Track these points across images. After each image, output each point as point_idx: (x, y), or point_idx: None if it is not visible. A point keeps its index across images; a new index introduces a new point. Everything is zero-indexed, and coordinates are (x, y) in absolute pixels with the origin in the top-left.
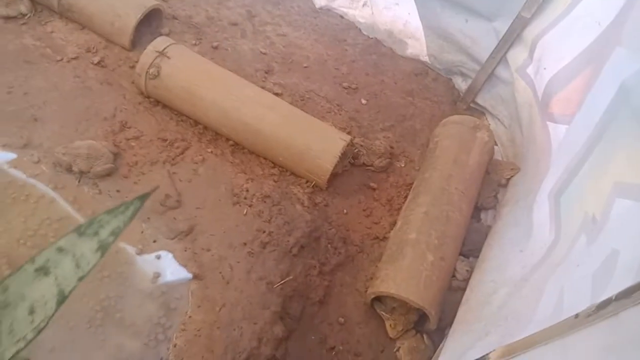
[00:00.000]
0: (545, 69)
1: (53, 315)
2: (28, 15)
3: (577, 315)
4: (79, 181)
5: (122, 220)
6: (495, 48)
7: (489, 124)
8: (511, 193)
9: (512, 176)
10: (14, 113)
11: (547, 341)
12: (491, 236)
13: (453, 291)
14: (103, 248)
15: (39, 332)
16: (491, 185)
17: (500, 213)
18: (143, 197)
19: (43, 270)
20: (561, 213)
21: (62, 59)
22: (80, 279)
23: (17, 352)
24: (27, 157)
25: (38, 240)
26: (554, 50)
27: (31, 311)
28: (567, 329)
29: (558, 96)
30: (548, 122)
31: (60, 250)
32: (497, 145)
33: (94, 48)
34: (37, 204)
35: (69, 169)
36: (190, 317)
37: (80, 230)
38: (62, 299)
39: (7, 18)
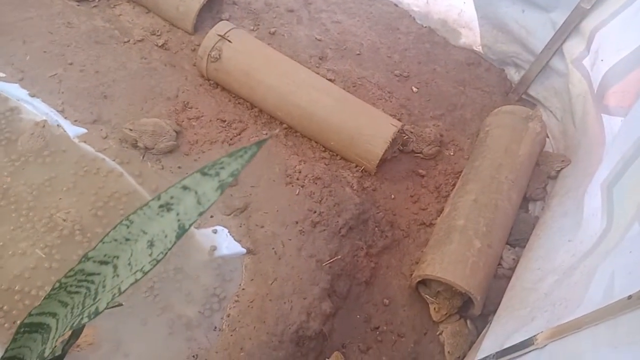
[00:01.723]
0: (602, 60)
1: (171, 248)
2: None
3: (630, 297)
4: (143, 157)
5: (240, 163)
6: (551, 39)
7: (542, 115)
8: (561, 185)
9: (562, 168)
10: (85, 90)
11: (597, 322)
12: (539, 226)
13: (498, 279)
14: (222, 187)
15: (157, 263)
16: (541, 177)
17: (549, 204)
18: (260, 143)
19: (166, 207)
20: (614, 203)
21: (129, 41)
22: (200, 214)
23: (135, 282)
24: (97, 132)
25: (108, 211)
26: (613, 42)
27: (150, 245)
28: (619, 310)
29: (614, 88)
30: (603, 114)
31: (184, 188)
32: (548, 137)
33: (158, 31)
34: (106, 177)
35: (135, 145)
36: (243, 289)
37: (203, 171)
38: (181, 232)
39: (80, 0)
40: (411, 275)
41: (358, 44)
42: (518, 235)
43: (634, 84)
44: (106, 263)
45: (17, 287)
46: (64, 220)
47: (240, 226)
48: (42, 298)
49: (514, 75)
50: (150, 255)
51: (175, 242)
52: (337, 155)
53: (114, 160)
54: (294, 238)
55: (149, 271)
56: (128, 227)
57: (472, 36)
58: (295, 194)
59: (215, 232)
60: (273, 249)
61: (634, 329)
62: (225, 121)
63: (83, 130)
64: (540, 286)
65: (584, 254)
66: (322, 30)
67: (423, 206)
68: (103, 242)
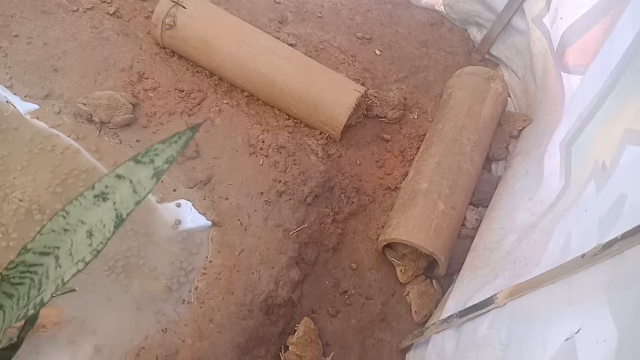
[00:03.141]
0: (562, 19)
1: (111, 237)
2: None
3: (583, 255)
4: (100, 132)
5: (175, 149)
6: None
7: (504, 76)
8: (523, 144)
9: (524, 127)
10: (34, 64)
11: (554, 280)
12: (501, 186)
13: (462, 239)
14: (158, 175)
15: (98, 253)
16: (503, 137)
17: (511, 164)
18: (194, 129)
19: (102, 197)
20: (572, 162)
21: (78, 10)
22: (137, 203)
23: (77, 273)
24: (49, 107)
25: (68, 188)
26: (572, 0)
27: (90, 235)
28: (574, 268)
29: (574, 47)
30: (562, 73)
31: (119, 177)
32: (510, 97)
33: None
34: (63, 154)
35: (90, 120)
36: (210, 261)
37: (137, 159)
38: (119, 222)
39: None
40: (378, 239)
41: (319, 6)
42: (481, 196)
43: (593, 42)
44: (47, 254)
45: None
46: (21, 200)
47: (205, 199)
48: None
49: (477, 35)
50: (90, 245)
51: (114, 232)
52: (301, 123)
53: (69, 136)
54: (260, 209)
55: (91, 261)
56: (65, 217)
57: None
58: (260, 164)
59: (179, 205)
60: (239, 220)
61: (587, 288)
62: (184, 91)
63: (35, 107)
64: (502, 245)
65: (543, 212)
66: None
67: (388, 171)
68: (41, 234)
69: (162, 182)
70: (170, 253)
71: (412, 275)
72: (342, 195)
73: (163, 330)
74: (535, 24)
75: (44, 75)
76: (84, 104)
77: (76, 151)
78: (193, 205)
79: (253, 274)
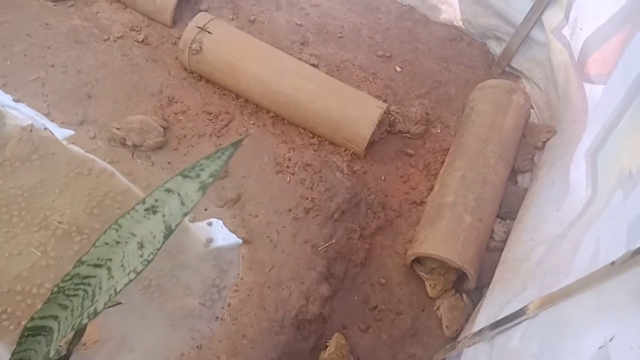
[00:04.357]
0: (581, 29)
1: (160, 247)
2: None
3: (613, 263)
4: (132, 154)
5: (219, 164)
6: (530, 10)
7: (525, 87)
8: (547, 155)
9: (548, 139)
10: (69, 91)
11: (584, 289)
12: (528, 198)
13: (491, 252)
14: (204, 188)
15: (148, 263)
16: (528, 149)
17: (537, 175)
18: (236, 144)
19: (152, 209)
20: (598, 171)
21: (108, 38)
22: (185, 214)
23: (128, 283)
24: (84, 133)
25: (104, 209)
26: (591, 10)
27: (140, 246)
28: (604, 276)
29: (594, 56)
30: (584, 83)
31: (167, 191)
32: (533, 108)
33: (137, 26)
34: (98, 177)
35: (123, 143)
36: (242, 278)
37: (184, 174)
38: (169, 233)
39: (57, 1)
40: (405, 254)
41: (339, 27)
42: (508, 208)
43: (613, 51)
44: (100, 266)
45: (17, 288)
46: (59, 222)
47: (235, 217)
48: (43, 296)
49: (496, 48)
50: (141, 256)
51: (163, 242)
52: (325, 140)
53: (104, 160)
54: (288, 225)
55: (141, 271)
56: (117, 230)
57: (452, 12)
58: (287, 181)
59: (210, 224)
60: (268, 237)
61: (619, 294)
62: (211, 113)
63: (71, 132)
64: (531, 256)
65: (571, 222)
66: (301, 14)
67: (413, 185)
68: (95, 246)
69: None
70: (202, 271)
71: (442, 289)
72: (368, 210)
73: (198, 347)
74: (554, 35)
75: (78, 102)
76: (117, 128)
77: (111, 174)
78: (223, 223)
79: (283, 289)
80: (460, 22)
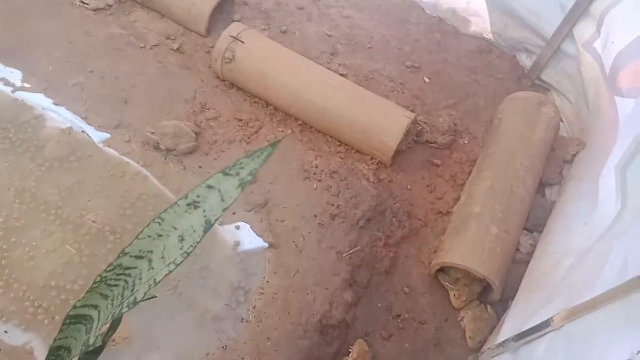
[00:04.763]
0: (613, 43)
1: (200, 241)
2: (114, 7)
3: None
4: (165, 158)
5: (258, 162)
6: (561, 23)
7: (555, 100)
8: (577, 169)
9: (578, 152)
10: (107, 96)
11: (611, 301)
12: (556, 211)
13: (517, 264)
14: (243, 185)
15: (188, 255)
16: (556, 162)
17: (565, 188)
18: (275, 145)
19: (194, 205)
20: (627, 185)
21: (145, 46)
22: (225, 210)
23: (168, 274)
24: (120, 136)
25: (138, 211)
26: (623, 24)
27: (181, 239)
28: (632, 289)
29: (626, 70)
30: (615, 97)
31: (209, 187)
32: (562, 121)
33: (173, 35)
34: (132, 180)
35: (157, 147)
36: (267, 282)
37: (225, 171)
38: (208, 227)
39: (97, 10)
40: (430, 263)
41: (368, 38)
42: (535, 221)
43: None
44: (141, 258)
45: (52, 284)
46: (94, 221)
47: (262, 221)
48: (76, 292)
49: (526, 61)
50: (181, 249)
51: (203, 236)
52: (352, 149)
53: (138, 163)
54: (314, 231)
55: (181, 263)
56: (160, 224)
57: (482, 24)
58: (313, 188)
59: (238, 228)
60: (294, 242)
61: None
62: (242, 120)
63: (107, 136)
64: (557, 270)
65: (599, 236)
66: (332, 26)
67: (439, 195)
68: (138, 239)
69: None
70: (229, 273)
71: (466, 300)
72: (394, 219)
73: (223, 348)
74: (585, 49)
75: (115, 107)
76: (152, 133)
77: (144, 177)
78: (251, 227)
79: (308, 294)
80: (490, 35)
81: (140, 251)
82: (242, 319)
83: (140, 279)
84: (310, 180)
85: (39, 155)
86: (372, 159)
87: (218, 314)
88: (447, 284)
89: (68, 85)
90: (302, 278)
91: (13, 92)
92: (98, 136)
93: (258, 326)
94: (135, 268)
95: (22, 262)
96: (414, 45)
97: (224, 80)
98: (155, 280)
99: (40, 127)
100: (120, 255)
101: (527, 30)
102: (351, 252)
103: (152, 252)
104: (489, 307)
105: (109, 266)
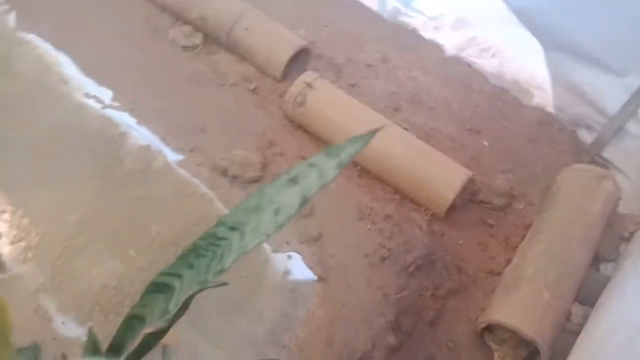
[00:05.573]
0: None
1: (294, 214)
2: (200, 47)
3: None
4: (230, 184)
5: (356, 147)
6: (625, 103)
7: (614, 177)
8: (635, 247)
9: (636, 230)
10: (186, 123)
11: None
12: (611, 286)
13: (567, 333)
14: (341, 166)
15: (280, 228)
16: (613, 237)
17: (622, 265)
18: (373, 132)
19: (293, 181)
20: None
21: (224, 84)
22: (321, 186)
23: (258, 243)
24: (192, 159)
25: (199, 229)
26: None
27: (276, 213)
28: None
29: None
30: None
31: (310, 165)
32: (621, 199)
33: (250, 77)
34: (199, 201)
35: (224, 173)
36: (312, 313)
37: (327, 152)
38: (303, 202)
39: (185, 47)
40: (477, 320)
41: (431, 99)
42: (588, 293)
43: None
44: (235, 229)
45: (112, 284)
46: (158, 232)
47: (313, 254)
48: (132, 295)
49: (587, 137)
50: (275, 221)
51: (297, 210)
52: (407, 197)
53: (206, 185)
54: (363, 270)
55: (272, 234)
56: (260, 196)
57: (544, 97)
58: (367, 228)
59: (289, 257)
60: (343, 278)
61: None
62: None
63: (181, 157)
64: (609, 343)
65: None
66: (397, 84)
67: (491, 255)
68: (237, 209)
69: (278, 234)
70: (276, 299)
71: None
72: (444, 271)
73: None
74: None
75: (191, 133)
76: (222, 159)
77: (210, 199)
78: (302, 258)
79: (351, 330)
80: (552, 108)
81: (235, 222)
82: (284, 346)
83: (230, 250)
84: (364, 221)
85: (117, 167)
86: (426, 210)
87: (260, 337)
88: (492, 343)
89: (152, 108)
90: (347, 313)
91: (102, 108)
92: (172, 157)
93: (299, 355)
94: (227, 239)
95: (86, 259)
96: (475, 110)
97: (292, 122)
98: (245, 249)
99: (122, 142)
100: (217, 223)
101: (590, 107)
102: (399, 295)
103: (245, 224)
104: None
105: (203, 234)
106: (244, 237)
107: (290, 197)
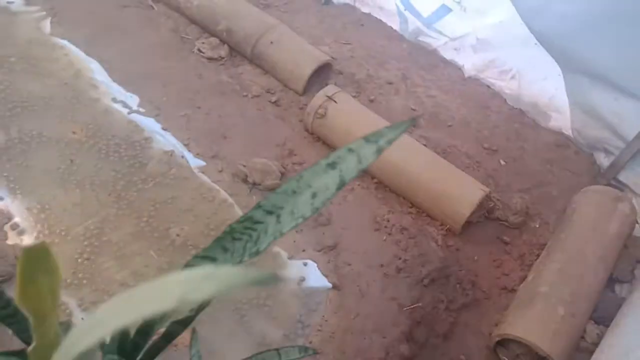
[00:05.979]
0: None
1: (331, 197)
2: (225, 59)
3: None
4: (250, 190)
5: (395, 133)
6: None
7: (632, 198)
8: None
9: None
10: (208, 130)
11: None
12: (626, 306)
13: (581, 352)
14: (379, 151)
15: (317, 211)
16: (629, 260)
17: (637, 287)
18: (413, 120)
19: (332, 165)
20: None
21: (247, 95)
22: (360, 171)
23: (294, 226)
24: (214, 165)
25: (219, 233)
26: None
27: (313, 196)
28: None
29: None
30: None
31: (349, 150)
32: (638, 223)
33: (272, 90)
34: (219, 206)
35: (245, 180)
36: (326, 320)
37: (367, 138)
38: (341, 185)
39: (211, 59)
40: (490, 334)
41: (450, 117)
42: (603, 313)
43: None
44: (271, 213)
45: (131, 283)
46: (178, 235)
47: (329, 262)
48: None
49: (603, 160)
50: (312, 204)
51: (334, 194)
52: (423, 212)
53: (226, 191)
54: (378, 280)
55: (309, 217)
56: (298, 181)
57: (562, 120)
58: (383, 239)
59: (305, 264)
60: (358, 286)
61: None
62: None
63: (202, 163)
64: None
65: None
66: (416, 102)
67: (506, 271)
68: (275, 193)
69: (295, 241)
70: (291, 306)
71: None
72: (458, 286)
73: None
74: None
75: (214, 140)
76: (243, 166)
77: (230, 205)
78: (318, 266)
79: (365, 339)
80: (569, 131)
81: (272, 206)
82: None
83: (266, 233)
84: (380, 232)
85: (141, 171)
86: (441, 225)
87: (275, 342)
88: (505, 358)
89: (176, 115)
90: (361, 322)
91: (129, 113)
92: (195, 162)
93: None
94: (263, 223)
95: (108, 259)
96: (492, 130)
97: (312, 134)
98: (281, 232)
99: (147, 147)
100: (255, 207)
101: (608, 131)
102: (413, 306)
103: (282, 208)
104: None
105: (241, 217)
106: (280, 220)
107: (327, 181)
